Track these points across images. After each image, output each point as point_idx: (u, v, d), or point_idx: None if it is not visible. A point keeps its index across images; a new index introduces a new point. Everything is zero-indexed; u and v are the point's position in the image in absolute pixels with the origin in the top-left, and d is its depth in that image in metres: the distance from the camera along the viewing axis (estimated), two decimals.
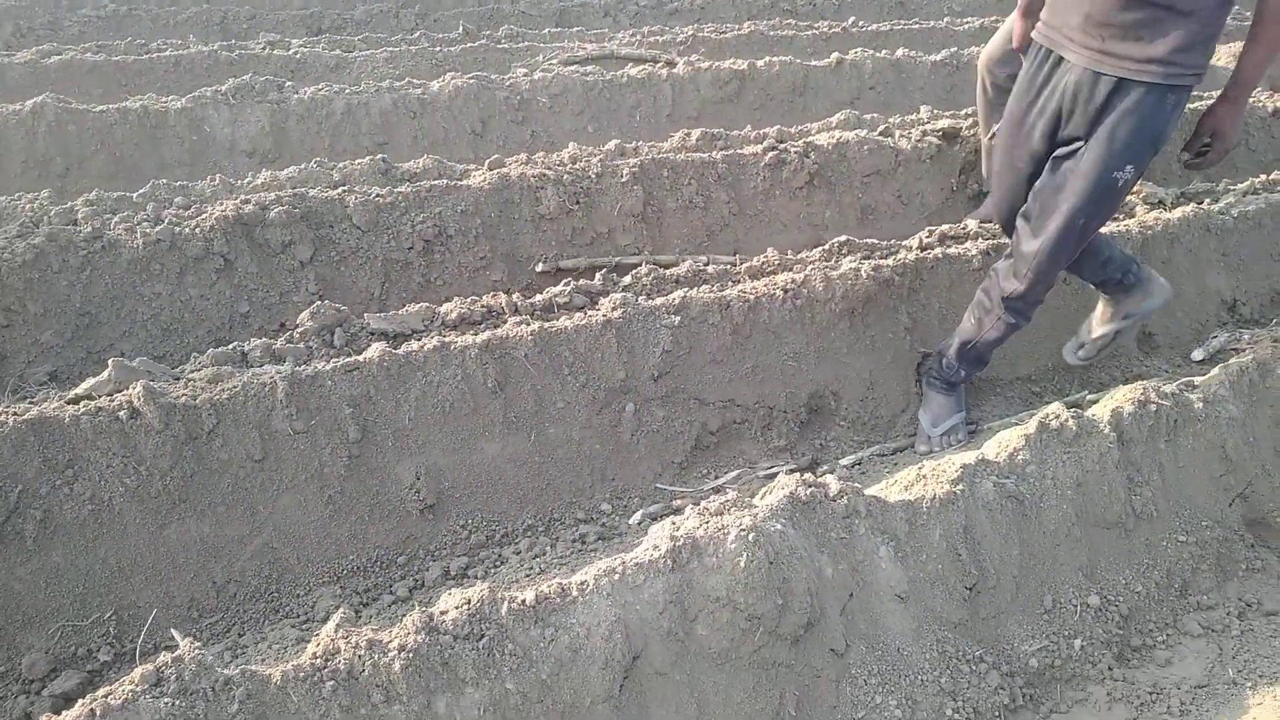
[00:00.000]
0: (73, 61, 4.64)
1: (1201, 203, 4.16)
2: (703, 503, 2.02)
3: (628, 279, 3.01)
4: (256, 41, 5.32)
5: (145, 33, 5.64)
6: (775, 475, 2.82)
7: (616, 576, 1.85)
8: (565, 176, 3.66)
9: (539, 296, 2.86)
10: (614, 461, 2.68)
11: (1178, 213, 3.95)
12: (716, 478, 2.77)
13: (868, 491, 2.37)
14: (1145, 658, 2.33)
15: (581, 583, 1.82)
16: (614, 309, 2.76)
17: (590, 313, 2.76)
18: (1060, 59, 2.50)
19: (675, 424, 2.79)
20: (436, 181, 3.49)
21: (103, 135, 3.91)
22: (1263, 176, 4.57)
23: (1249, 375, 2.79)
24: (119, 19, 5.66)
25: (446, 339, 2.58)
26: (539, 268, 3.54)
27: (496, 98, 4.62)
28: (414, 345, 2.53)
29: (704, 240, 3.93)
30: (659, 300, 2.85)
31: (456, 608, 1.74)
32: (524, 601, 1.77)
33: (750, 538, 1.92)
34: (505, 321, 2.73)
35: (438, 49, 5.37)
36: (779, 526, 1.99)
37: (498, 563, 2.40)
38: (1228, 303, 3.93)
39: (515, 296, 2.81)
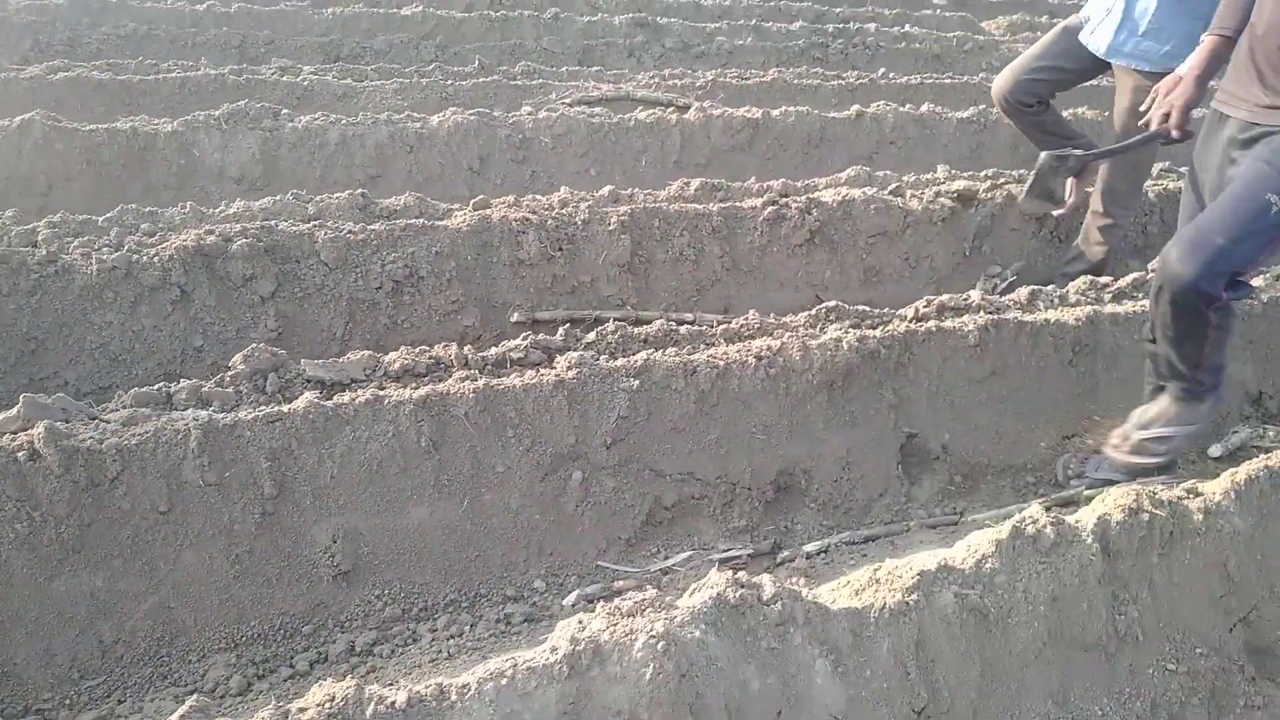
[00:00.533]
0: (78, 79, 4.63)
1: None
2: (615, 600, 1.83)
3: (591, 335, 2.84)
4: (268, 67, 5.30)
5: (163, 53, 5.65)
6: (731, 559, 2.62)
7: (504, 681, 1.66)
8: (549, 221, 3.52)
9: (492, 350, 2.70)
10: (554, 534, 2.49)
11: None
12: (666, 558, 2.57)
13: (818, 592, 2.16)
14: None
15: (463, 685, 1.64)
16: (569, 368, 2.59)
17: (543, 371, 2.59)
18: (1225, 116, 2.78)
19: (626, 496, 2.60)
20: (413, 221, 3.36)
21: (89, 155, 3.86)
22: None
23: (1259, 484, 2.53)
24: (138, 38, 5.68)
25: (382, 392, 2.42)
26: (514, 317, 3.39)
27: (497, 135, 4.51)
28: (345, 397, 2.38)
29: (693, 295, 3.76)
30: (620, 361, 2.68)
31: (317, 705, 1.57)
32: (394, 704, 1.59)
33: (659, 646, 1.72)
34: (451, 375, 2.57)
35: (449, 82, 5.30)
36: (697, 634, 1.79)
37: (409, 640, 2.22)
38: (1252, 395, 3.66)
39: (466, 349, 2.65)
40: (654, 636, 1.73)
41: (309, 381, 2.51)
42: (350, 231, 3.26)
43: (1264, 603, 2.43)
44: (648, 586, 2.47)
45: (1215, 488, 2.51)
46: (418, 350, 2.65)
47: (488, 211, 3.53)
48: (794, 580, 2.46)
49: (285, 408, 2.32)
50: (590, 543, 2.53)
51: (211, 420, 2.22)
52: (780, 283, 3.93)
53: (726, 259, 3.84)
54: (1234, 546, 2.41)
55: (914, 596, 2.05)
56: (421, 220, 3.40)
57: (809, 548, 2.65)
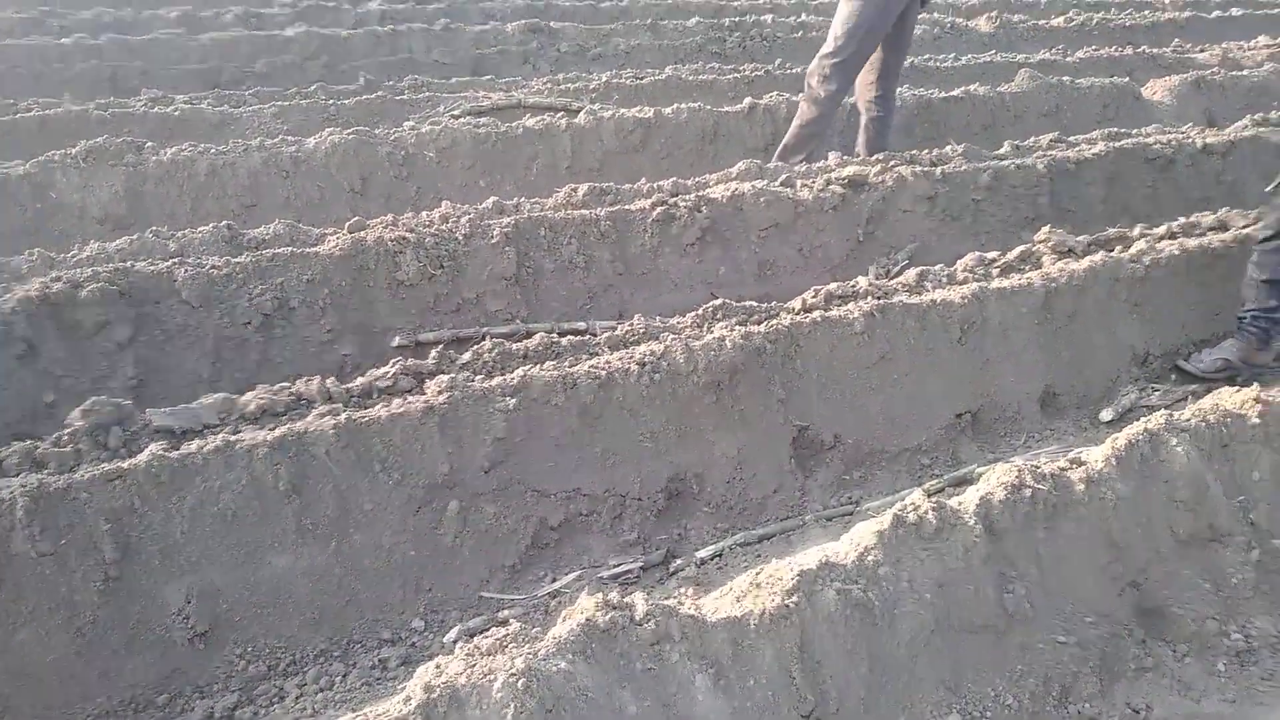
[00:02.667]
0: None
1: (1112, 250, 3.96)
2: (476, 639, 1.74)
3: (467, 355, 2.74)
4: (138, 98, 5.08)
5: (27, 91, 5.38)
6: (622, 574, 2.55)
7: None
8: (428, 239, 3.41)
9: (358, 380, 2.58)
10: (432, 569, 2.39)
11: (1086, 262, 3.74)
12: (554, 580, 2.49)
13: (701, 603, 2.10)
14: None
15: None
16: (439, 393, 2.49)
17: (411, 399, 2.49)
18: None
19: (508, 521, 2.51)
20: (280, 250, 3.23)
21: None
22: (1180, 220, 4.38)
23: (1138, 449, 2.54)
24: None
25: (235, 436, 2.30)
26: (395, 341, 3.27)
27: (378, 153, 4.38)
28: (192, 445, 2.25)
29: (586, 304, 3.68)
30: (495, 381, 2.59)
31: None
32: None
33: (520, 684, 1.64)
34: (313, 411, 2.45)
35: (330, 102, 5.15)
36: (563, 665, 1.71)
37: (275, 699, 2.10)
38: (1140, 356, 3.71)
39: (329, 381, 2.54)
40: (514, 674, 1.65)
41: (158, 432, 2.37)
42: (213, 266, 3.12)
43: (1151, 564, 2.44)
44: (531, 614, 2.40)
45: (1096, 456, 2.52)
46: (276, 388, 2.52)
47: (362, 234, 3.41)
48: (684, 590, 2.40)
49: (126, 463, 2.18)
50: (472, 574, 2.43)
51: (42, 484, 2.08)
52: (675, 284, 3.88)
53: (618, 264, 3.77)
54: (1117, 513, 2.42)
55: (795, 598, 2.00)
56: (291, 248, 3.26)
57: (702, 554, 2.59)
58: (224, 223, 3.39)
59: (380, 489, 2.37)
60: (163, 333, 3.00)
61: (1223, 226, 4.34)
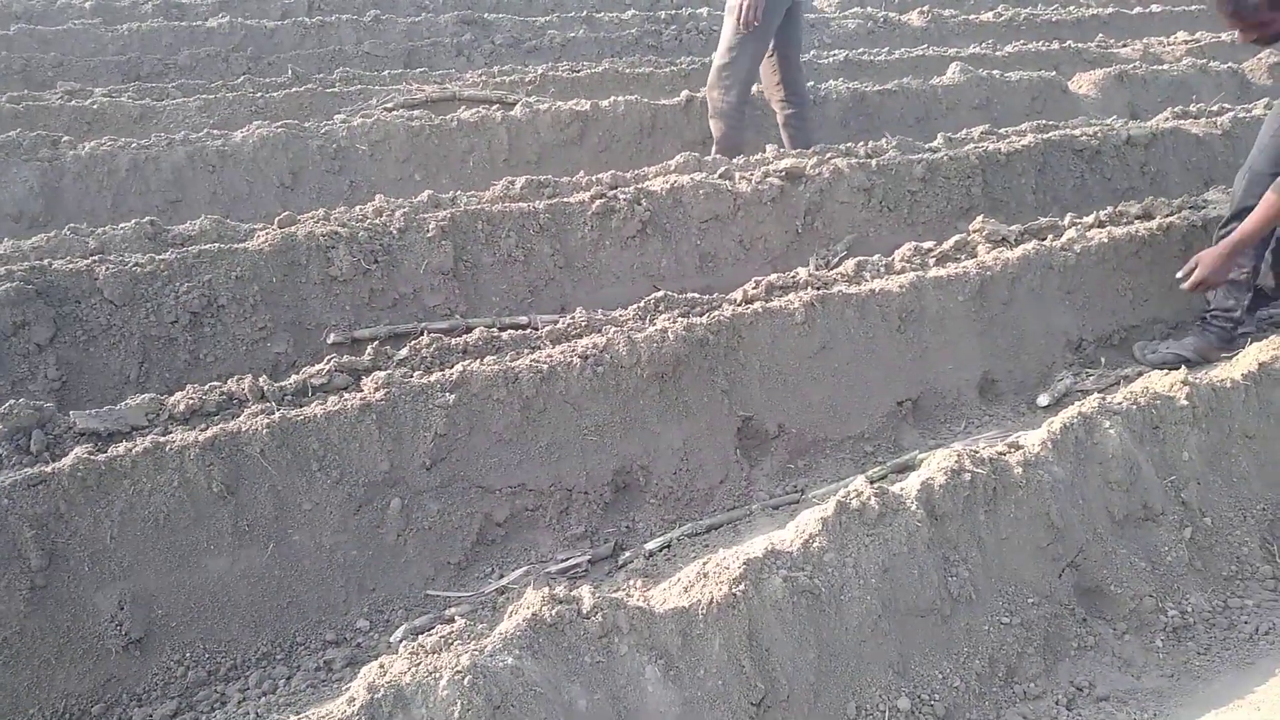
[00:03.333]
0: None
1: (1045, 239, 4.05)
2: (420, 638, 1.69)
3: (404, 351, 2.68)
4: (53, 91, 4.87)
5: None
6: (570, 568, 2.52)
7: None
8: (361, 233, 3.33)
9: (292, 378, 2.51)
10: (375, 568, 2.33)
11: (1019, 251, 3.82)
12: (501, 577, 2.45)
13: (650, 594, 2.09)
14: None
15: None
16: (376, 390, 2.43)
17: (347, 396, 2.42)
18: None
19: (453, 518, 2.46)
20: (207, 246, 3.12)
21: None
22: (1108, 209, 4.50)
23: (1074, 431, 2.60)
24: None
25: (165, 437, 2.21)
26: (331, 338, 3.18)
27: (309, 147, 4.27)
28: (121, 448, 2.15)
29: (526, 297, 3.63)
30: (434, 376, 2.54)
31: None
32: None
33: (466, 681, 1.60)
34: (247, 410, 2.37)
35: (258, 95, 5.00)
36: (509, 661, 1.68)
37: (218, 703, 2.03)
38: (1074, 342, 3.80)
39: (262, 380, 2.45)
40: (459, 672, 1.61)
41: (82, 435, 2.27)
42: (136, 264, 3.00)
43: (1089, 544, 2.49)
44: (479, 611, 2.35)
45: (1033, 440, 2.57)
46: (206, 387, 2.43)
47: (293, 229, 3.31)
48: (633, 582, 2.38)
49: (49, 468, 2.08)
50: (417, 572, 2.38)
51: None
52: (616, 276, 3.85)
53: (558, 257, 3.74)
54: (1055, 495, 2.46)
55: (742, 587, 1.99)
56: (218, 244, 3.15)
57: (650, 545, 2.57)
58: (146, 219, 3.26)
59: (319, 488, 2.30)
60: (85, 333, 2.87)
61: (1148, 215, 4.47)
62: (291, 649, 2.19)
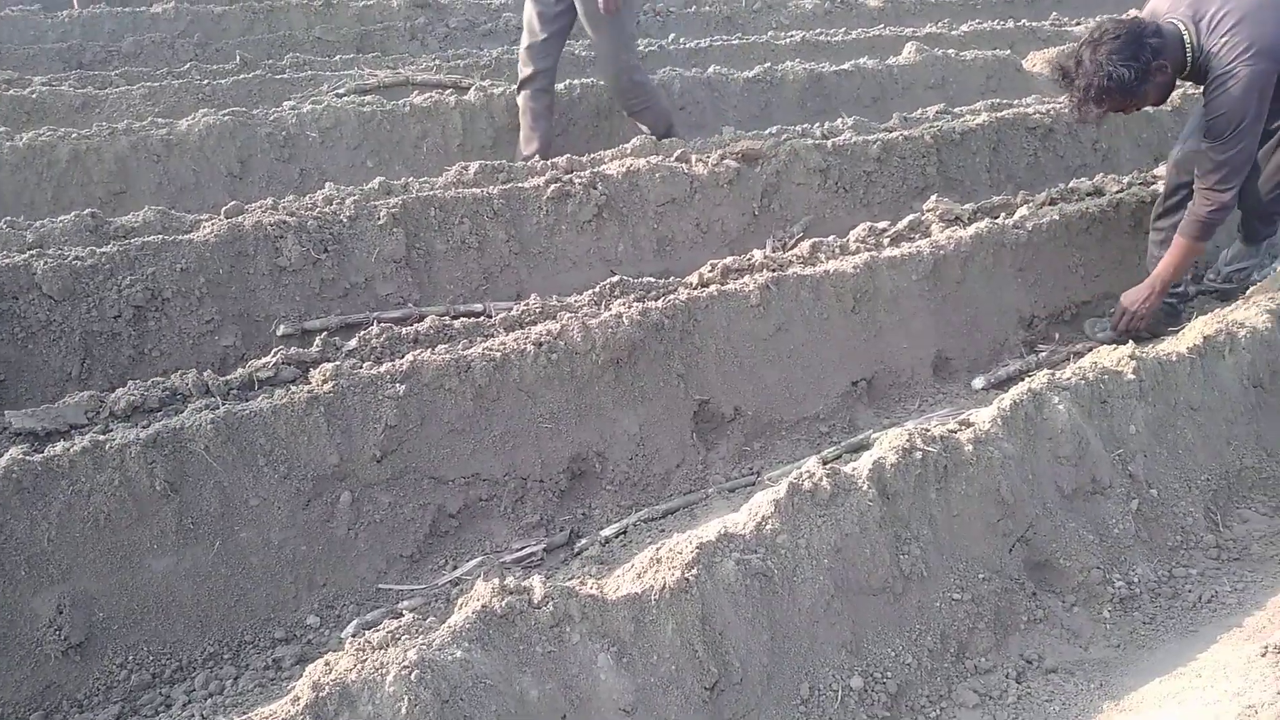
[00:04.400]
0: None
1: (997, 217, 4.08)
2: (367, 634, 1.68)
3: (353, 342, 2.64)
4: None
5: None
6: (525, 557, 2.51)
7: None
8: (310, 222, 3.27)
9: (238, 371, 2.46)
10: (325, 563, 2.30)
11: (972, 229, 3.85)
12: (455, 568, 2.43)
13: (604, 582, 2.08)
14: None
15: None
16: (324, 382, 2.39)
17: (294, 389, 2.38)
18: None
19: (405, 510, 2.44)
20: (151, 238, 3.05)
21: None
22: (1060, 186, 4.55)
23: (1023, 408, 2.63)
24: None
25: (105, 435, 2.16)
26: (280, 330, 3.13)
27: (257, 135, 4.18)
28: (57, 448, 2.10)
29: (481, 284, 3.60)
30: (384, 367, 2.50)
31: None
32: None
33: (414, 676, 1.59)
34: (190, 406, 2.33)
35: (205, 82, 4.88)
36: (459, 654, 1.67)
37: (162, 706, 2.00)
38: (1026, 319, 3.84)
39: (206, 374, 2.41)
40: (407, 667, 1.59)
41: (19, 435, 2.21)
42: (76, 257, 2.92)
43: (1038, 519, 2.52)
44: (433, 603, 2.34)
45: (983, 417, 2.59)
46: (149, 383, 2.38)
47: (240, 219, 3.25)
48: (588, 569, 2.38)
49: None
50: (369, 566, 2.35)
51: None
52: (573, 261, 3.83)
53: (514, 243, 3.70)
54: (1005, 471, 2.49)
55: (695, 571, 1.99)
56: (163, 236, 3.08)
57: (606, 532, 2.57)
58: (87, 211, 3.18)
59: (266, 483, 2.27)
60: (23, 329, 2.80)
61: (1098, 192, 4.52)
62: (239, 648, 2.15)
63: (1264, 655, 1.94)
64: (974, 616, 2.31)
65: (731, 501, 2.78)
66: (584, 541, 2.57)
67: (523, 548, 2.50)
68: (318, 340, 2.62)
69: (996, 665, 2.26)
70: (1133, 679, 2.22)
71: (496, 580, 1.82)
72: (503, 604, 1.77)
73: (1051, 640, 2.37)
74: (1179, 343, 3.11)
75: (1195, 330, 3.19)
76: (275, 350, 2.56)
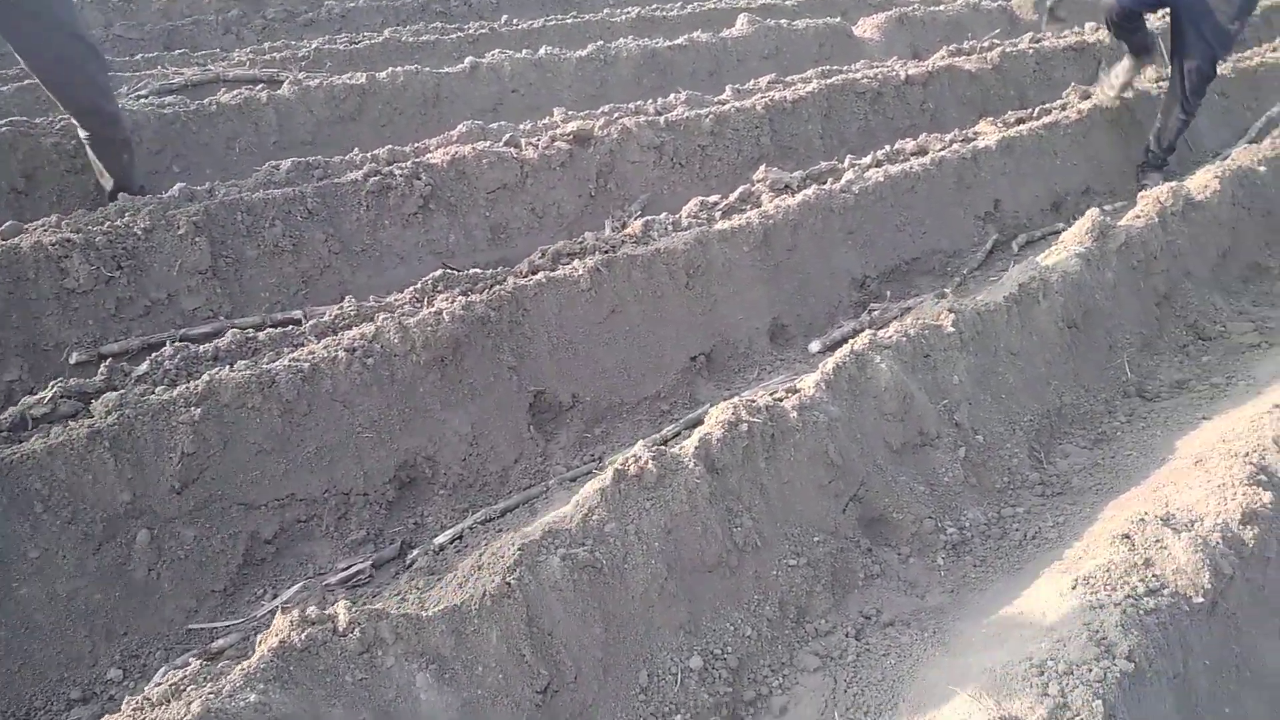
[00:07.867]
0: None
1: (825, 183, 4.14)
2: (148, 689, 1.53)
3: (143, 366, 2.44)
4: None
5: None
6: (352, 577, 2.38)
7: None
8: (99, 238, 3.01)
9: (7, 411, 2.23)
10: (125, 610, 2.12)
11: (800, 196, 3.89)
12: (275, 597, 2.28)
13: (425, 596, 1.99)
14: (761, 710, 2.09)
15: None
16: (108, 413, 2.19)
17: (73, 425, 2.17)
18: None
19: (213, 542, 2.26)
20: None
21: None
22: (885, 148, 4.66)
23: (846, 370, 2.66)
24: None
25: None
26: (74, 358, 2.87)
27: (43, 145, 3.83)
28: None
29: (300, 289, 3.40)
30: (177, 390, 2.31)
31: None
32: None
33: None
34: None
35: None
36: (253, 698, 1.54)
37: None
38: (858, 280, 3.92)
39: None
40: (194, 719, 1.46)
41: None
42: None
43: (869, 476, 2.56)
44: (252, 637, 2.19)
45: (808, 383, 2.61)
46: None
47: (16, 239, 2.96)
48: (416, 582, 2.27)
49: None
50: (176, 606, 2.18)
51: None
52: (400, 257, 3.67)
53: (333, 243, 3.51)
54: (832, 433, 2.52)
55: (517, 573, 1.92)
56: None
57: (439, 540, 2.46)
58: None
59: (46, 532, 2.06)
60: None
61: (922, 151, 4.66)
62: (28, 716, 1.96)
63: (1074, 588, 2.01)
64: (811, 580, 2.32)
65: (574, 490, 2.71)
66: (416, 552, 2.45)
67: (348, 566, 2.37)
68: (103, 367, 2.41)
69: (836, 625, 2.28)
70: (965, 623, 2.27)
71: (295, 612, 1.70)
72: (303, 636, 1.66)
73: (889, 593, 2.41)
74: (996, 293, 3.22)
75: (1011, 279, 3.32)
76: (52, 384, 2.33)
